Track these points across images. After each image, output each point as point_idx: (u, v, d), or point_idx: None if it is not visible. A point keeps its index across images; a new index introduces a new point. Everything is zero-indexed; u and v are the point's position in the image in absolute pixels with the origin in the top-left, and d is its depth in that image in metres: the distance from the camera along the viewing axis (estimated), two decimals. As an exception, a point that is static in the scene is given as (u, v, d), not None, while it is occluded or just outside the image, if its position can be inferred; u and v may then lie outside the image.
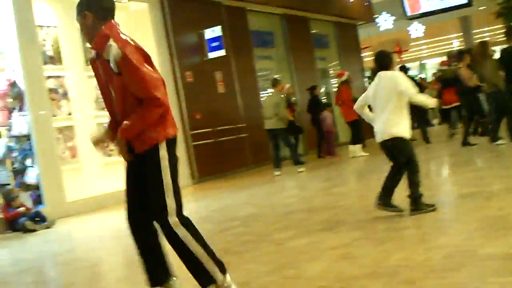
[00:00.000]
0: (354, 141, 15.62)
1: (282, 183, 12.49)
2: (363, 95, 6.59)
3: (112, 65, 3.76)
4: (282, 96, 14.50)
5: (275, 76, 17.39)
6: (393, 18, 33.01)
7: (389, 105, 6.12)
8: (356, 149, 15.37)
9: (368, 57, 30.84)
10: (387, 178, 6.25)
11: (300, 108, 18.30)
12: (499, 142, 11.63)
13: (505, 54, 11.20)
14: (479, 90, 12.57)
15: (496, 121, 11.86)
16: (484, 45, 12.43)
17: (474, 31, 35.22)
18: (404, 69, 15.71)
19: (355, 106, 6.61)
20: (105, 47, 3.79)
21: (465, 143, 12.56)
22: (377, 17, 31.79)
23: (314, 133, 17.74)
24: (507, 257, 4.04)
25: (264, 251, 5.62)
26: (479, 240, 4.64)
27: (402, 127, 6.14)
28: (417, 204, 6.06)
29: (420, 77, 28.69)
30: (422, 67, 40.24)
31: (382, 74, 6.31)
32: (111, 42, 3.77)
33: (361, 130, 15.50)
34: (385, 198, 6.16)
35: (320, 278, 4.32)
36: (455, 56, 13.48)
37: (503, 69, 11.23)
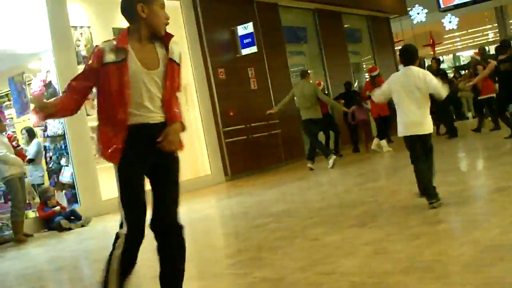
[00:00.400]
0: (380, 136, 15.61)
1: (315, 179, 12.45)
2: (384, 90, 6.64)
3: (177, 58, 3.79)
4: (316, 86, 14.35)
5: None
6: (426, 10, 32.73)
7: (423, 101, 6.34)
8: (383, 144, 15.34)
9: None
10: (425, 175, 6.27)
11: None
12: None
13: None
14: None
15: None
16: None
17: (510, 21, 34.69)
18: (437, 62, 15.57)
19: (378, 99, 6.75)
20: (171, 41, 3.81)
21: None
22: (410, 10, 31.54)
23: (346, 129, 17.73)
24: (544, 251, 3.99)
25: (297, 247, 5.61)
26: (515, 234, 4.59)
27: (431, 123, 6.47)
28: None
29: (455, 70, 28.35)
30: (457, 59, 39.76)
31: (415, 69, 6.38)
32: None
33: (389, 126, 15.50)
34: (435, 194, 6.22)
35: (354, 273, 4.30)
36: (502, 47, 13.25)
37: None
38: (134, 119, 3.68)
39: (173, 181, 3.83)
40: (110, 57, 3.64)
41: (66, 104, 3.80)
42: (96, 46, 3.76)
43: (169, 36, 3.79)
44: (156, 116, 3.72)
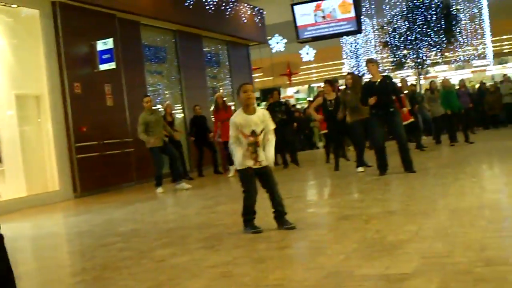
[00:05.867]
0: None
1: (166, 200, 12.39)
2: None
3: None
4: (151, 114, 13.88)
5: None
6: (285, 40, 33.60)
7: None
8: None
9: (259, 78, 31.15)
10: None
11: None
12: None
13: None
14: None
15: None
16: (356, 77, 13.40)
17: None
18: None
19: None
20: None
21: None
22: (270, 38, 32.25)
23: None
24: (383, 278, 4.13)
25: (144, 268, 5.53)
26: (356, 261, 4.73)
27: None
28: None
29: (309, 100, 29.27)
30: (311, 90, 41.08)
31: None
32: None
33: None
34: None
35: (198, 296, 4.29)
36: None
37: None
38: None
39: None
40: None
41: None
42: None
43: None
44: None
